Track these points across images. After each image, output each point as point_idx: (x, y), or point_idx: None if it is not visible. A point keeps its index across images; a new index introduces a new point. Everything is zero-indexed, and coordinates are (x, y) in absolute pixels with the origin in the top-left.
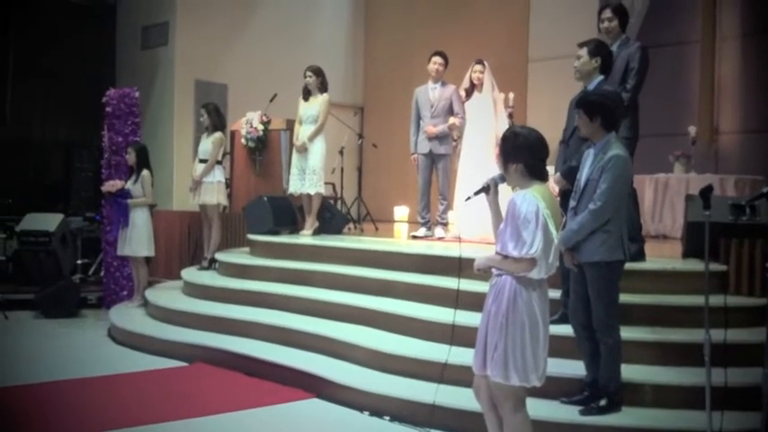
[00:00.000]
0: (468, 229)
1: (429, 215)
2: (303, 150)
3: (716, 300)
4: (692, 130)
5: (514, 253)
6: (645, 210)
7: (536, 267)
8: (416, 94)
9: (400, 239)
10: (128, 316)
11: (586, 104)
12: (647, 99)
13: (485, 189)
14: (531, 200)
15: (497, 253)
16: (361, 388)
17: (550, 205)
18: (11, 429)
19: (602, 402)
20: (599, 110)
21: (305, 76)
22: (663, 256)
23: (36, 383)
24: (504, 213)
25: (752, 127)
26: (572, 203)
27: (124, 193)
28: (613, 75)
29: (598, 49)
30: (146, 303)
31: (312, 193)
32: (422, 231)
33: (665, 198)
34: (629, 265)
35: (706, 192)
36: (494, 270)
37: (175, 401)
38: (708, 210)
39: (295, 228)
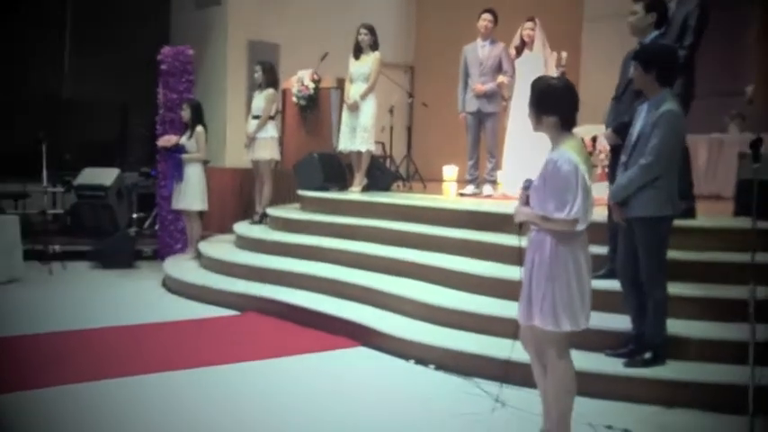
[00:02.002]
0: (516, 186)
1: (477, 173)
2: (355, 109)
3: (765, 257)
4: (749, 89)
5: (557, 215)
6: (699, 170)
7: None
8: (465, 51)
9: (448, 197)
10: (182, 267)
11: (643, 56)
12: (703, 57)
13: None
14: (570, 159)
15: (537, 213)
16: (407, 337)
17: (584, 158)
18: (70, 370)
19: (647, 355)
20: (655, 62)
21: (358, 34)
22: (714, 215)
23: (94, 328)
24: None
25: None
26: (623, 158)
27: (179, 149)
28: (671, 31)
29: (654, 3)
30: (199, 256)
31: (363, 150)
32: (470, 189)
33: (719, 158)
34: (678, 222)
35: (756, 144)
36: (532, 225)
37: (227, 347)
38: (757, 162)
39: (344, 184)
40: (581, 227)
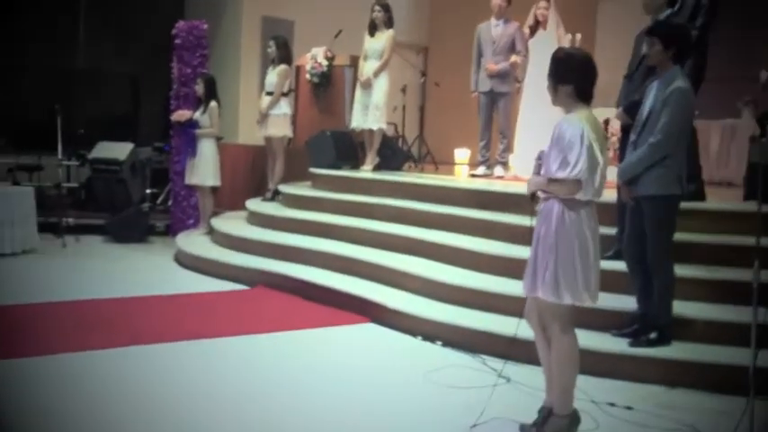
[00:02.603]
0: (528, 168)
1: (489, 154)
2: (368, 86)
3: None
4: (764, 74)
5: (559, 174)
6: (711, 156)
7: (582, 189)
8: (478, 31)
9: (459, 177)
10: (194, 242)
11: (663, 32)
12: (718, 42)
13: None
14: (577, 123)
15: (543, 176)
16: (415, 314)
17: (596, 130)
18: (81, 338)
19: (653, 335)
20: (676, 39)
21: (373, 11)
22: (724, 199)
23: (105, 299)
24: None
25: None
26: (632, 137)
27: (192, 124)
28: (684, 11)
29: None
30: (211, 231)
31: (374, 128)
32: (481, 170)
33: (731, 144)
34: (687, 204)
35: (764, 118)
36: (541, 194)
37: (236, 319)
38: (764, 137)
39: (356, 163)
40: (587, 195)
